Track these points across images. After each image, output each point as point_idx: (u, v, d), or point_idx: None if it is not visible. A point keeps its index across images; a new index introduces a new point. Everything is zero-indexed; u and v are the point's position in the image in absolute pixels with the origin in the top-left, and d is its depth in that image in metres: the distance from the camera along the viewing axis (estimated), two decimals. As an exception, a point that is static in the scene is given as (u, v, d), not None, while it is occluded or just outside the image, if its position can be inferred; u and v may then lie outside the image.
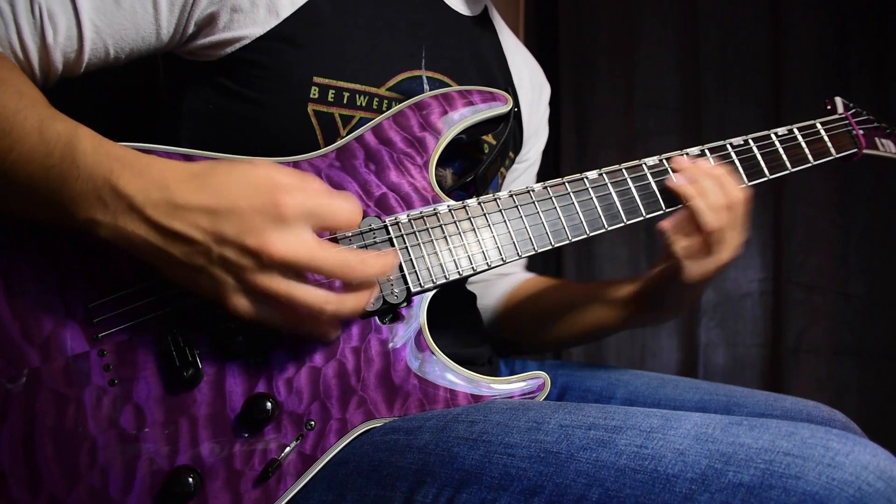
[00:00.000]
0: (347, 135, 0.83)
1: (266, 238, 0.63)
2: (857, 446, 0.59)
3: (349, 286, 0.70)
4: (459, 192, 0.89)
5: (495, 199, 0.83)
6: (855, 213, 1.99)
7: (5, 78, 0.68)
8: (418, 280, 0.78)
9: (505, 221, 0.82)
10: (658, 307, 1.03)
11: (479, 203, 0.82)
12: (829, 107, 1.11)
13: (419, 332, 0.78)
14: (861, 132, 1.08)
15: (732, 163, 0.94)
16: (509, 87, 1.07)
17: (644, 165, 0.90)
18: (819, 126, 1.04)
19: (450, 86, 0.95)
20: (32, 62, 0.75)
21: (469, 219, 0.81)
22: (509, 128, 0.90)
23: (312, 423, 0.73)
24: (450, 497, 0.67)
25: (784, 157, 0.99)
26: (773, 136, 0.99)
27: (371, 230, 0.77)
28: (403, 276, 0.77)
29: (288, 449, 0.72)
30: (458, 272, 0.79)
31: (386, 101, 0.88)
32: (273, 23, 0.83)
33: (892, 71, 1.98)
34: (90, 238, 0.66)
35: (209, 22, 0.81)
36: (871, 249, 1.99)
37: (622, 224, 0.87)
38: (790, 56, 2.00)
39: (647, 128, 2.06)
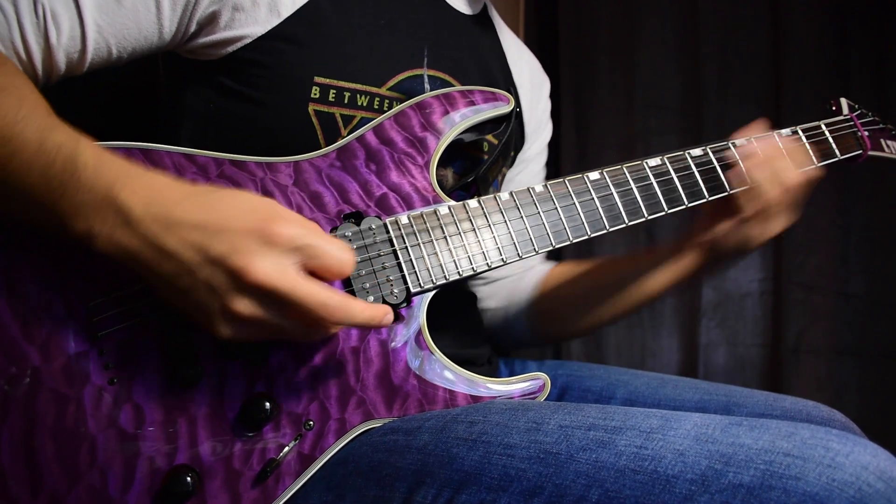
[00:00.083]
0: (348, 135, 0.83)
1: (249, 260, 0.63)
2: (857, 447, 0.59)
3: (329, 324, 0.68)
4: (460, 192, 0.89)
5: (496, 199, 0.83)
6: (855, 213, 1.99)
7: (6, 84, 0.68)
8: (418, 280, 0.78)
9: (506, 221, 0.82)
10: (716, 266, 1.04)
11: (480, 203, 0.82)
12: (833, 108, 1.10)
13: (419, 333, 0.78)
14: (866, 133, 1.07)
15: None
16: (510, 85, 1.07)
17: (646, 165, 0.89)
18: (824, 127, 1.03)
19: (451, 84, 0.95)
20: (35, 63, 0.75)
21: (469, 219, 0.81)
22: (510, 128, 0.90)
23: (311, 423, 0.73)
24: (449, 498, 0.67)
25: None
26: (776, 137, 0.99)
27: (371, 230, 0.77)
28: (403, 277, 0.77)
29: (287, 449, 0.72)
30: (459, 273, 0.79)
31: (387, 101, 0.88)
32: (274, 22, 0.83)
33: (892, 71, 1.98)
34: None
35: (211, 21, 0.81)
36: (871, 249, 1.99)
37: (623, 225, 0.87)
38: (790, 56, 2.00)
39: (647, 128, 2.06)
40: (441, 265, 0.79)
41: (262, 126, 0.85)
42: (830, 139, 1.03)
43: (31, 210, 0.67)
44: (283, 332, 0.67)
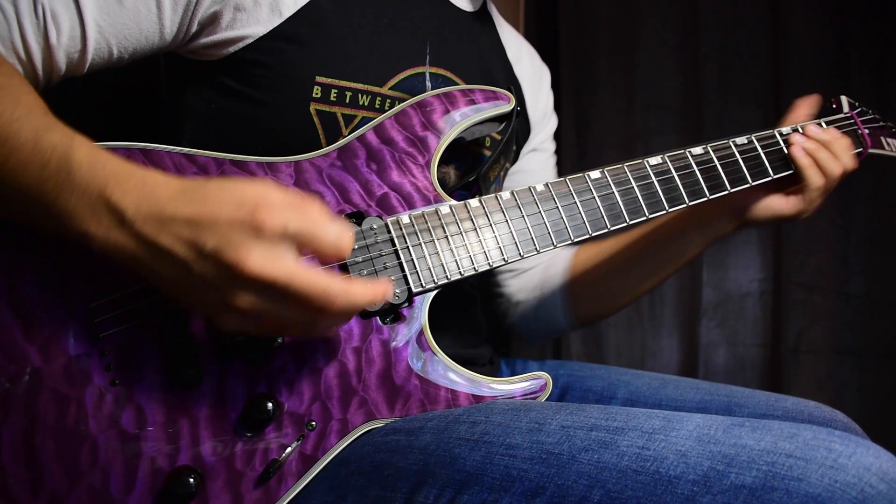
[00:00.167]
0: (349, 134, 0.82)
1: (243, 253, 0.61)
2: (859, 448, 0.59)
3: (333, 310, 0.66)
4: (462, 191, 0.89)
5: (497, 199, 0.82)
6: (855, 213, 1.99)
7: (3, 84, 0.68)
8: (420, 280, 0.78)
9: (507, 221, 0.82)
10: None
11: (481, 203, 0.82)
12: (834, 106, 1.11)
13: (420, 333, 0.78)
14: (867, 131, 1.07)
15: (737, 162, 0.95)
16: (512, 80, 1.07)
17: (647, 164, 0.89)
18: (825, 125, 1.03)
19: (453, 81, 0.95)
20: (35, 63, 0.75)
21: (471, 218, 0.81)
22: (512, 127, 0.90)
23: (313, 423, 0.73)
24: (451, 498, 0.67)
25: (789, 156, 0.99)
26: (777, 135, 0.99)
27: (372, 229, 0.77)
28: (405, 277, 0.77)
29: (289, 449, 0.72)
30: (460, 272, 0.79)
31: (388, 101, 0.88)
32: (276, 22, 0.83)
33: (892, 71, 1.98)
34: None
35: (212, 21, 0.81)
36: (871, 249, 1.99)
37: (625, 224, 0.87)
38: (790, 56, 2.00)
39: (647, 128, 2.06)
40: (442, 265, 0.79)
41: (264, 126, 0.85)
42: None
43: (29, 211, 0.67)
44: (286, 322, 0.66)
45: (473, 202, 0.82)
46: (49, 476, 0.68)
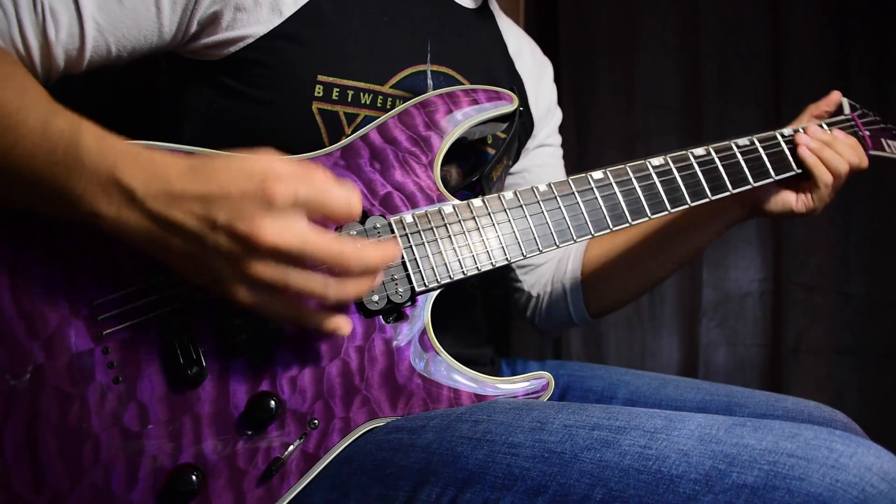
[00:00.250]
0: (352, 133, 0.83)
1: (256, 224, 0.62)
2: (860, 448, 0.59)
3: (349, 274, 0.68)
4: (465, 191, 0.89)
5: (500, 198, 0.83)
6: (855, 213, 1.99)
7: (8, 73, 0.68)
8: (422, 279, 0.78)
9: (510, 221, 0.82)
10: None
11: (484, 202, 0.82)
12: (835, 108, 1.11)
13: (423, 332, 0.78)
14: (867, 133, 1.08)
15: (739, 162, 0.95)
16: (514, 77, 1.07)
17: (649, 165, 0.90)
18: (825, 127, 1.04)
19: (455, 79, 0.95)
20: (34, 58, 0.75)
21: (474, 218, 0.81)
22: (514, 126, 0.90)
23: (316, 421, 0.73)
24: (453, 496, 0.67)
25: (790, 157, 0.99)
26: (778, 136, 0.99)
27: (375, 229, 0.77)
28: (408, 276, 0.77)
29: (291, 448, 0.72)
30: (463, 272, 0.79)
31: (390, 99, 0.88)
32: (276, 21, 0.83)
33: (892, 71, 1.98)
34: (94, 233, 0.66)
35: (212, 21, 0.81)
36: (871, 249, 1.99)
37: (627, 224, 0.87)
38: (790, 56, 2.00)
39: (647, 128, 2.06)
40: (445, 264, 0.79)
41: (265, 126, 0.85)
42: None
43: (38, 196, 0.67)
44: (301, 292, 0.66)
45: (476, 202, 0.82)
46: (51, 473, 0.68)
